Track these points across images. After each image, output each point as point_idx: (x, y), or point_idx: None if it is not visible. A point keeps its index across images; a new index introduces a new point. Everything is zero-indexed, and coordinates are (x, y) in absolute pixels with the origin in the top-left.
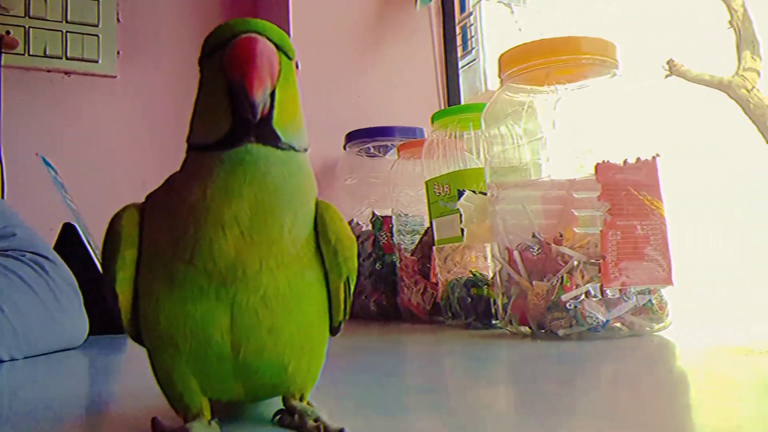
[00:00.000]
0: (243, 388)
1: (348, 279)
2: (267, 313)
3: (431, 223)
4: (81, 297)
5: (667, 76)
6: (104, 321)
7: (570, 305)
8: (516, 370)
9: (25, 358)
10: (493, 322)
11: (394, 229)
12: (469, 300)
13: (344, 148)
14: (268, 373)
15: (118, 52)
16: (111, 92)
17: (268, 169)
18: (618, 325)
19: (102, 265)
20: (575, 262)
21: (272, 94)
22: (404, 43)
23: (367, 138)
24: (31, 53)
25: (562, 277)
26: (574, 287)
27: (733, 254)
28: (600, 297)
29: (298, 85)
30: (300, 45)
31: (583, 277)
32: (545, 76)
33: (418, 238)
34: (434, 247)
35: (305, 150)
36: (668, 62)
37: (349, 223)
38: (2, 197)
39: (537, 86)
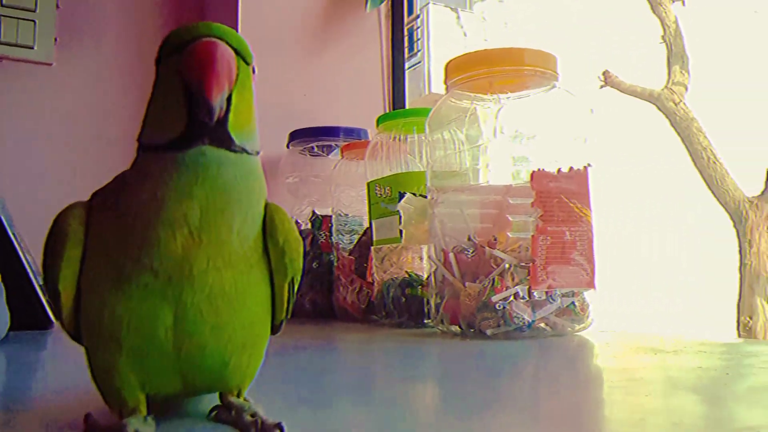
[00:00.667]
0: (182, 383)
1: (293, 279)
2: (211, 311)
3: (371, 223)
4: (3, 291)
5: (602, 86)
6: (26, 315)
7: (499, 306)
8: (444, 367)
9: None
10: (425, 321)
11: (333, 229)
12: (404, 300)
13: (287, 147)
14: (209, 369)
15: (56, 39)
16: (46, 80)
17: (220, 171)
18: (542, 325)
19: (44, 262)
20: (507, 265)
21: (229, 98)
22: (352, 44)
23: (311, 137)
24: (1, 41)
25: (493, 279)
26: (505, 289)
27: (654, 259)
28: (527, 298)
29: (254, 90)
30: (247, 39)
31: (513, 279)
32: (488, 85)
33: (356, 237)
34: (372, 248)
35: (257, 153)
36: (603, 73)
37: None
38: None
39: (480, 94)
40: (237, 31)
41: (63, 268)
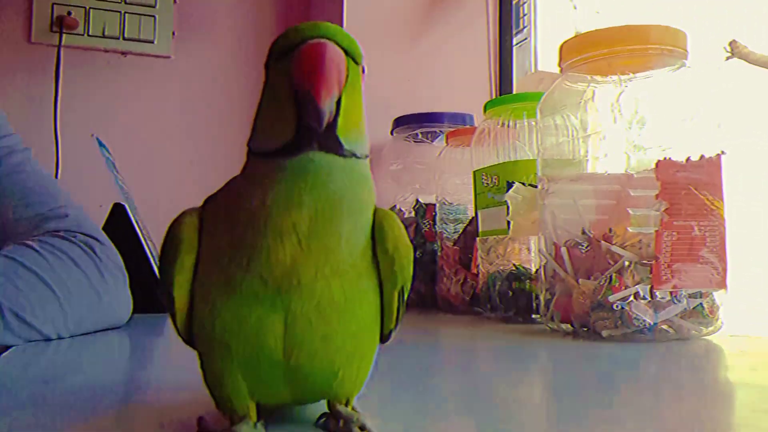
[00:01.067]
0: (291, 392)
1: (402, 288)
2: (321, 321)
3: (476, 213)
4: (127, 278)
5: (728, 58)
6: (146, 300)
7: (617, 306)
8: (556, 370)
9: (71, 336)
10: (534, 317)
11: (437, 217)
12: (510, 293)
13: (391, 134)
14: (319, 379)
15: (174, 33)
16: (165, 72)
17: (330, 177)
18: (665, 327)
19: (159, 268)
20: (626, 262)
21: (338, 102)
22: (457, 25)
23: (415, 124)
24: (90, 34)
25: (610, 277)
26: (623, 288)
27: None
28: (649, 299)
29: (363, 89)
30: (351, 26)
31: (633, 277)
32: (607, 66)
33: (461, 227)
34: (477, 238)
35: (366, 157)
36: (730, 43)
37: (391, 209)
38: (57, 176)
39: (598, 76)
40: (342, 17)
41: (177, 274)
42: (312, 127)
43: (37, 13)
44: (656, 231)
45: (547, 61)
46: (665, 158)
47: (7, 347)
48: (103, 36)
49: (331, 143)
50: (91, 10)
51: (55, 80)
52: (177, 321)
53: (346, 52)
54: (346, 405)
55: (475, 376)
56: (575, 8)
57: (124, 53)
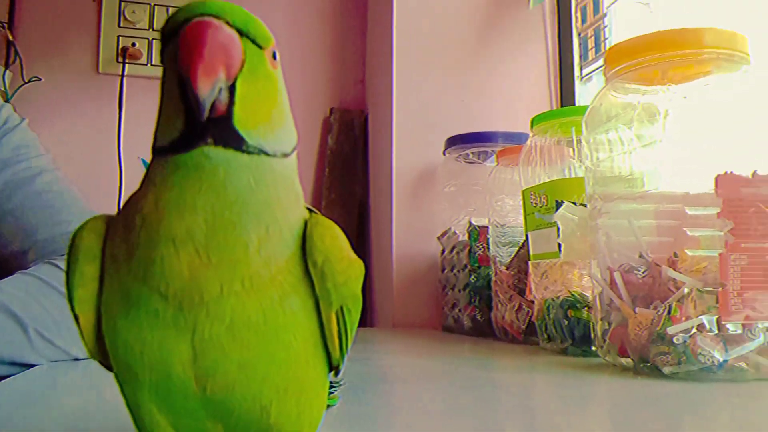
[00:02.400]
0: (223, 430)
1: (343, 308)
2: (235, 345)
3: (527, 235)
4: None
5: None
6: None
7: (678, 339)
8: (613, 414)
9: (52, 362)
10: (593, 348)
11: (491, 241)
12: (566, 322)
13: (443, 154)
14: (246, 416)
15: None
16: None
17: (230, 177)
18: (743, 365)
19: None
20: (686, 290)
21: (232, 88)
22: (515, 44)
23: (466, 143)
24: (153, 63)
25: (670, 306)
26: (684, 319)
27: None
28: (717, 332)
29: (282, 77)
30: (403, 45)
31: (695, 307)
32: (660, 74)
33: (515, 250)
34: (530, 262)
35: (285, 155)
36: None
37: (446, 232)
38: (120, 200)
39: (648, 85)
40: (392, 37)
41: (77, 287)
42: (195, 116)
43: (104, 44)
44: (720, 254)
45: None
46: (727, 172)
47: (31, 365)
48: None
49: (228, 137)
50: (154, 41)
51: (118, 108)
52: (85, 340)
53: (243, 34)
54: None
55: (530, 418)
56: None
57: None
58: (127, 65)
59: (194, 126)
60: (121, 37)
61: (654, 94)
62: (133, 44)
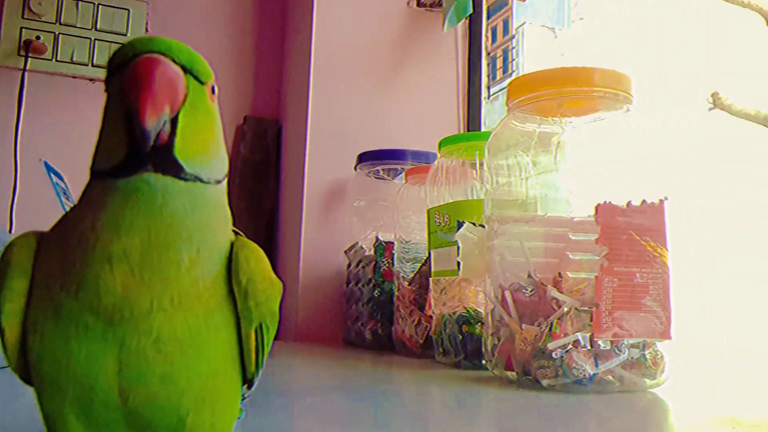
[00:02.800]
0: None
1: (262, 326)
2: (160, 358)
3: (430, 253)
4: None
5: (710, 109)
6: None
7: (556, 354)
8: (496, 424)
9: None
10: (483, 362)
11: (396, 256)
12: (460, 337)
13: (355, 169)
14: (163, 426)
15: None
16: None
17: (166, 202)
18: (610, 378)
19: None
20: (566, 308)
21: (175, 121)
22: (429, 65)
23: (377, 160)
24: (58, 59)
25: (551, 323)
26: (563, 335)
27: (741, 314)
28: (589, 348)
29: (218, 112)
30: (321, 59)
31: (572, 324)
32: (556, 107)
33: (418, 266)
34: (431, 279)
35: (218, 182)
36: (712, 95)
37: (353, 246)
38: (14, 201)
39: (545, 116)
40: (310, 50)
41: (5, 302)
42: (139, 146)
43: (4, 36)
44: (596, 277)
45: None
46: (605, 201)
47: None
48: (72, 62)
49: (168, 165)
50: (61, 36)
51: (18, 104)
52: (9, 354)
53: (187, 70)
54: None
55: (409, 430)
56: (562, 55)
57: (92, 80)
58: (29, 59)
59: (137, 154)
60: (24, 29)
61: (550, 125)
62: (38, 37)
